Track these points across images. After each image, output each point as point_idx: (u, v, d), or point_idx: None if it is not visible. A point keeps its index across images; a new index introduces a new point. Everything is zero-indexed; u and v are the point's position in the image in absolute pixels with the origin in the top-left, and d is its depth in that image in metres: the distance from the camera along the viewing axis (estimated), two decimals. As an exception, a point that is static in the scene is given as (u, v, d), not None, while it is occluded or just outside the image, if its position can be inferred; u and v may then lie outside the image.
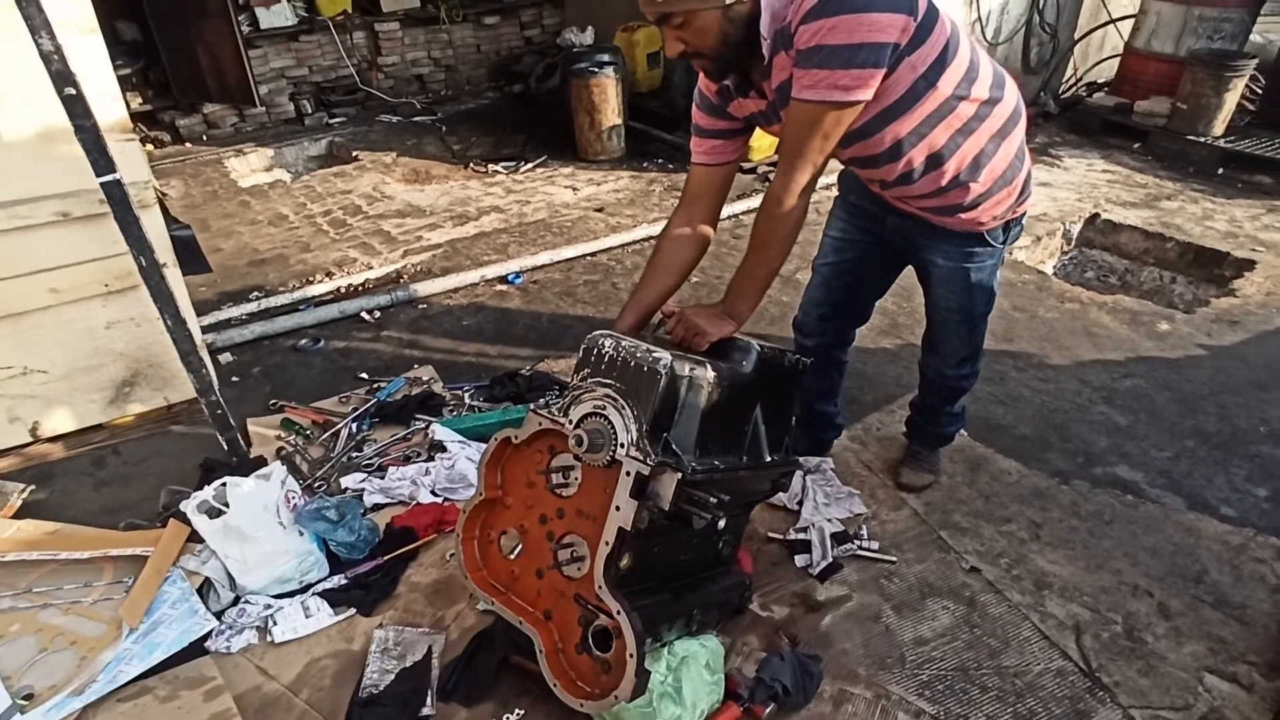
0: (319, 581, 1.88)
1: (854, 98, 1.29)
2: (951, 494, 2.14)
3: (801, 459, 2.21)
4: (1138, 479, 2.19)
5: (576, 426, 1.35)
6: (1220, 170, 4.17)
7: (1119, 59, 4.94)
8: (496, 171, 4.66)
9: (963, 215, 1.59)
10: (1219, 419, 2.42)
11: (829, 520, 2.02)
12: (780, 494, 1.86)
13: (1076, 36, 5.01)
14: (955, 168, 1.50)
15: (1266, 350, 2.76)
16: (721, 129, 1.57)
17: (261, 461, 2.24)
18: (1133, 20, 4.75)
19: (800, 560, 1.93)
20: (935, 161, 1.49)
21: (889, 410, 2.48)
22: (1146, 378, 2.62)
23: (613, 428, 1.32)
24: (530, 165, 4.71)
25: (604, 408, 1.33)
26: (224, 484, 1.79)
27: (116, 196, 1.83)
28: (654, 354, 1.32)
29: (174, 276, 2.30)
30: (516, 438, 1.46)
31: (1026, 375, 2.65)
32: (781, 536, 1.99)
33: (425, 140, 5.32)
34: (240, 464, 2.24)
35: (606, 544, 1.31)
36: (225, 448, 2.24)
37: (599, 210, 4.05)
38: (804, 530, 1.99)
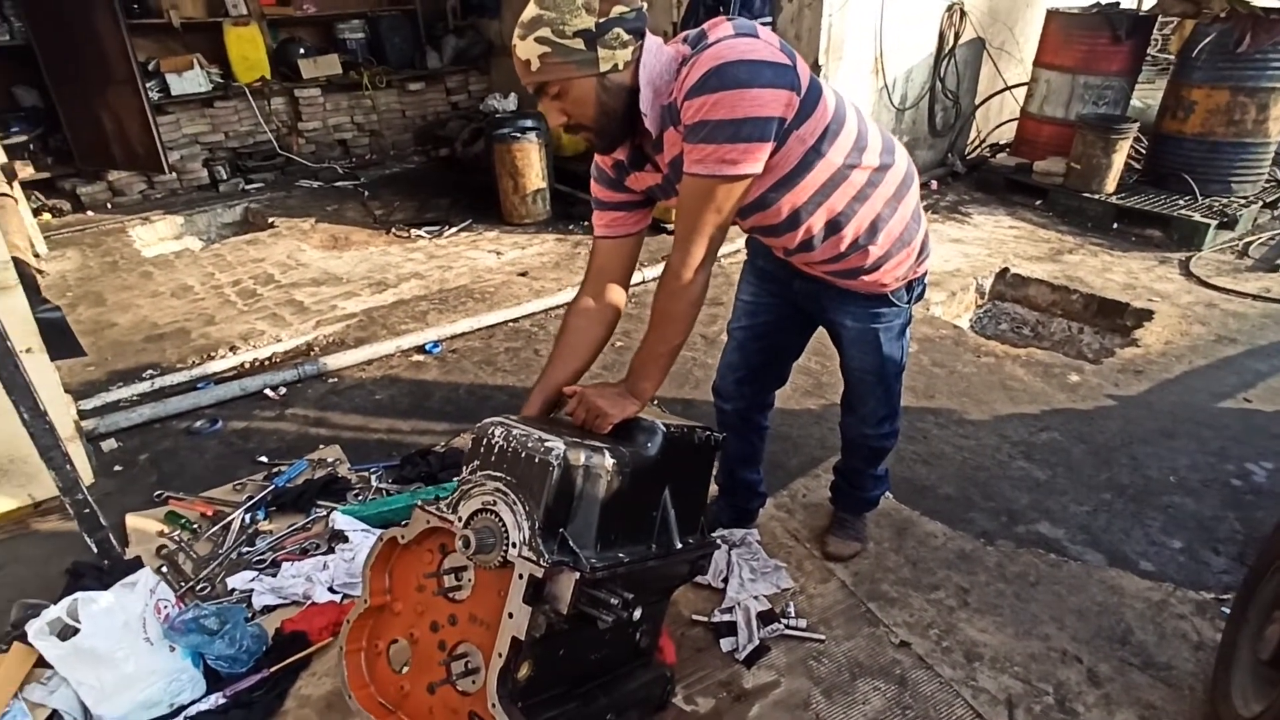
0: (193, 703, 1.67)
1: (742, 171, 1.28)
2: (879, 561, 2.09)
3: (726, 532, 2.13)
4: (1060, 536, 2.19)
5: (465, 525, 1.24)
6: (1115, 225, 4.41)
7: (1016, 122, 5.25)
8: (419, 236, 4.57)
9: (865, 277, 1.60)
10: (1131, 470, 2.46)
11: (755, 598, 1.93)
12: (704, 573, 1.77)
13: (977, 102, 5.32)
14: (853, 233, 1.51)
15: (1170, 398, 2.85)
16: (621, 201, 1.54)
17: (137, 564, 2.02)
18: (1026, 87, 5.07)
19: (726, 644, 1.82)
20: (834, 228, 1.50)
21: (814, 474, 2.43)
22: (1061, 430, 2.66)
23: (504, 526, 1.21)
24: (454, 230, 4.64)
25: (494, 503, 1.23)
26: (76, 599, 1.58)
27: (-39, 281, 1.65)
28: (546, 443, 1.23)
29: (39, 363, 2.11)
30: (403, 537, 1.34)
31: (948, 432, 2.66)
32: (706, 619, 1.89)
33: (346, 205, 5.20)
34: (112, 567, 2.02)
35: (500, 656, 1.19)
36: (94, 550, 2.01)
37: (522, 274, 3.99)
38: (729, 611, 1.89)
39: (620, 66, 1.28)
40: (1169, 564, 2.08)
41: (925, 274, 1.71)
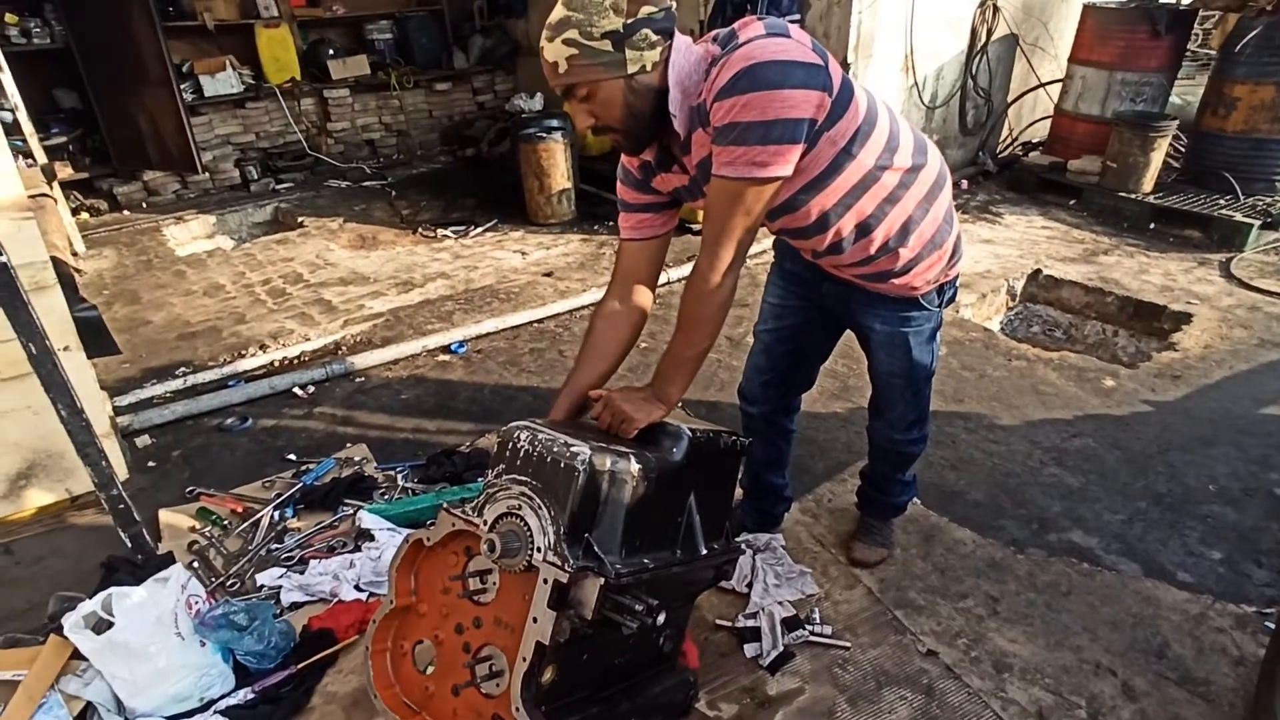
0: (222, 697, 1.69)
1: (772, 174, 1.26)
2: (906, 568, 2.06)
3: (751, 536, 2.12)
4: (1093, 545, 2.13)
5: (490, 529, 1.24)
6: (1152, 225, 4.30)
7: (1050, 120, 5.14)
8: (445, 236, 4.60)
9: (895, 281, 1.57)
10: (1169, 478, 2.39)
11: (780, 603, 1.91)
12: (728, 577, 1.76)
13: (1010, 99, 5.22)
14: (884, 235, 1.48)
15: (1209, 404, 2.77)
16: (647, 203, 1.53)
17: (170, 559, 2.06)
18: (1060, 84, 4.96)
19: (750, 650, 1.81)
20: (864, 230, 1.47)
21: (840, 479, 2.40)
22: (1095, 436, 2.60)
23: (529, 530, 1.21)
24: (480, 230, 4.67)
25: (519, 508, 1.23)
26: (110, 593, 1.61)
27: (2, 281, 1.69)
28: (571, 448, 1.23)
29: (76, 361, 2.15)
30: (429, 539, 1.34)
31: (977, 437, 2.61)
32: (730, 624, 1.87)
33: (374, 205, 5.26)
34: (146, 562, 2.06)
35: (524, 660, 1.18)
36: (129, 544, 2.05)
37: (547, 275, 3.99)
38: (753, 616, 1.88)
39: (648, 68, 1.27)
40: (1208, 575, 2.02)
41: (957, 277, 1.67)
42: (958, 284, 1.70)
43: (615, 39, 1.23)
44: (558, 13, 1.24)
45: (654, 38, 1.25)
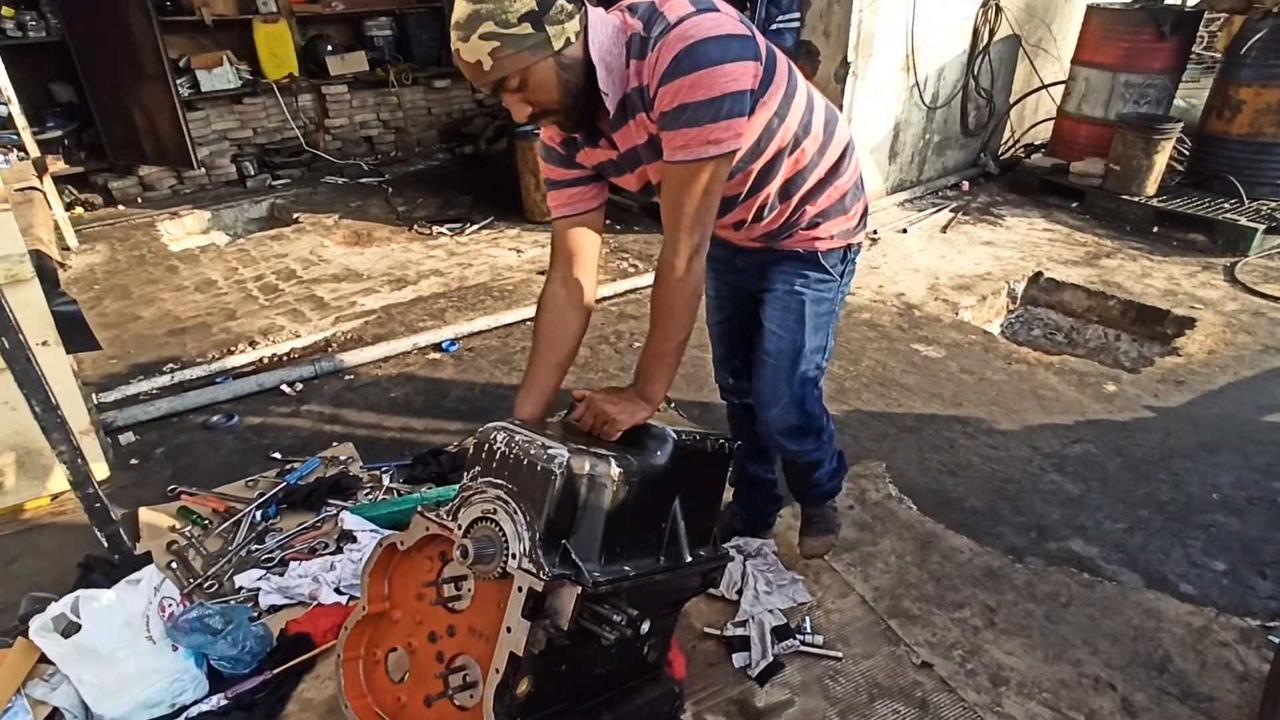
0: (195, 703, 1.65)
1: (726, 149, 1.26)
2: (901, 576, 2.01)
3: (742, 542, 2.07)
4: (1093, 554, 2.08)
5: (465, 533, 1.19)
6: (1155, 229, 4.24)
7: (1053, 122, 5.09)
8: (441, 233, 4.56)
9: (801, 232, 1.57)
10: (1171, 486, 2.34)
11: (770, 611, 1.86)
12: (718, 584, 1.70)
13: (1011, 101, 5.16)
14: (799, 195, 1.51)
15: (1213, 411, 2.72)
16: (574, 177, 1.49)
17: (148, 559, 2.01)
18: (1063, 86, 4.91)
19: (739, 659, 1.76)
20: (784, 194, 1.50)
21: (835, 484, 2.35)
22: (1096, 442, 2.55)
23: (504, 535, 1.16)
24: (476, 227, 4.62)
25: (494, 512, 1.18)
26: (78, 596, 1.57)
27: (-27, 273, 1.65)
28: (549, 450, 1.18)
29: (54, 356, 2.11)
30: (403, 543, 1.29)
31: (976, 442, 2.56)
32: (719, 632, 1.82)
33: (370, 202, 5.21)
34: (123, 562, 2.01)
35: (497, 671, 1.14)
36: (105, 544, 2.01)
37: (542, 273, 3.94)
38: (743, 624, 1.83)
39: (572, 39, 1.22)
40: (1211, 587, 1.97)
41: (859, 245, 1.65)
42: (857, 259, 1.67)
43: (533, 18, 1.17)
44: (462, 9, 1.18)
45: (569, 7, 1.21)
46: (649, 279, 3.69)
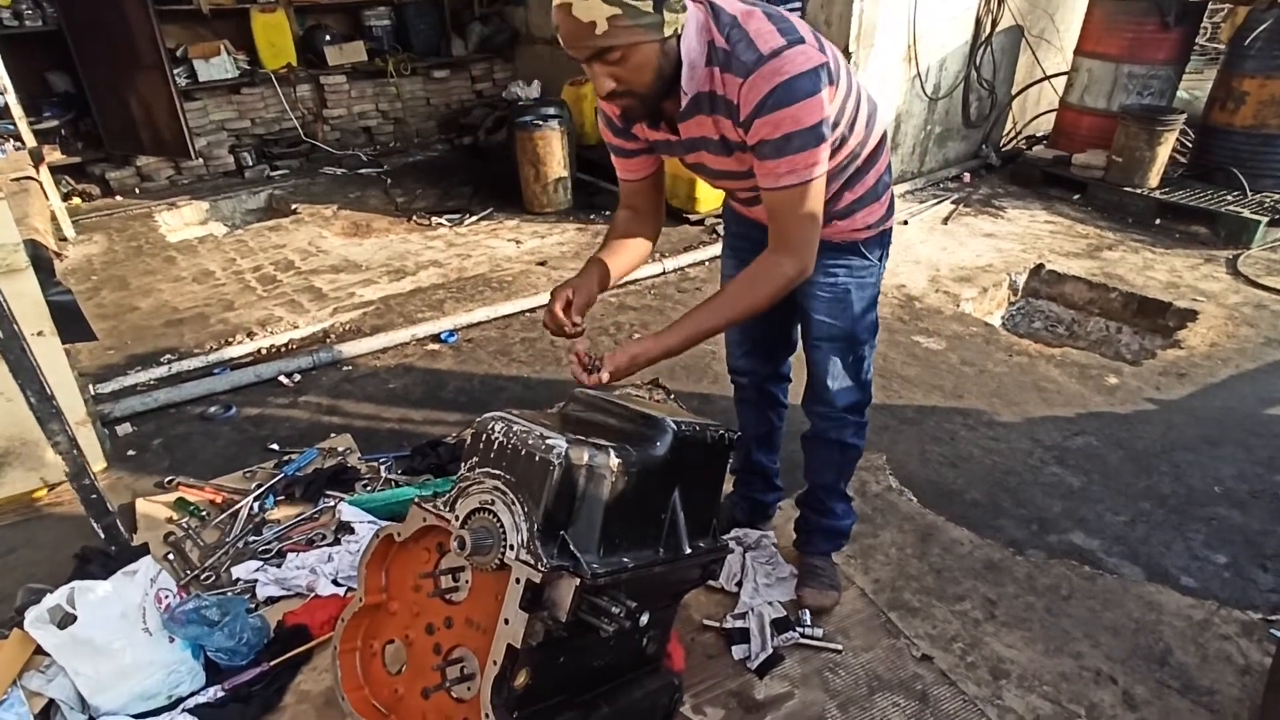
0: (191, 695, 1.64)
1: (820, 171, 1.34)
2: (901, 569, 2.00)
3: (742, 533, 2.06)
4: (1094, 547, 2.07)
5: (462, 524, 1.18)
6: (1157, 221, 4.22)
7: (1055, 113, 5.05)
8: (440, 224, 4.53)
9: (839, 223, 1.57)
10: (1173, 479, 2.33)
11: (770, 604, 1.85)
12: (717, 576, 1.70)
13: (1014, 92, 5.13)
14: (840, 183, 1.52)
15: (1215, 404, 2.71)
16: (635, 148, 1.55)
17: (145, 550, 2.01)
18: (1066, 77, 4.87)
19: (738, 651, 1.75)
20: (826, 181, 1.49)
21: (835, 476, 2.34)
22: (1098, 435, 2.54)
23: (502, 526, 1.15)
24: (475, 218, 4.59)
25: (492, 503, 1.17)
26: (74, 587, 1.56)
27: (-35, 262, 1.63)
28: (547, 440, 1.17)
29: (50, 346, 2.09)
30: (400, 534, 1.28)
31: (977, 434, 2.55)
32: (718, 624, 1.82)
33: (369, 193, 5.18)
34: (120, 553, 2.00)
35: (495, 664, 1.13)
36: (101, 535, 2.00)
37: (541, 264, 3.93)
38: (743, 616, 1.82)
39: (679, 31, 1.25)
40: (1212, 580, 1.96)
41: (891, 232, 1.68)
42: (889, 246, 1.69)
43: (657, 1, 1.19)
44: None
45: (684, 1, 1.23)
46: (647, 271, 3.68)
